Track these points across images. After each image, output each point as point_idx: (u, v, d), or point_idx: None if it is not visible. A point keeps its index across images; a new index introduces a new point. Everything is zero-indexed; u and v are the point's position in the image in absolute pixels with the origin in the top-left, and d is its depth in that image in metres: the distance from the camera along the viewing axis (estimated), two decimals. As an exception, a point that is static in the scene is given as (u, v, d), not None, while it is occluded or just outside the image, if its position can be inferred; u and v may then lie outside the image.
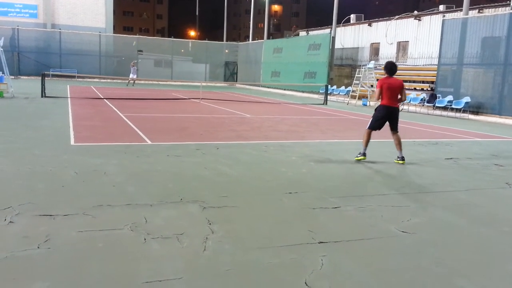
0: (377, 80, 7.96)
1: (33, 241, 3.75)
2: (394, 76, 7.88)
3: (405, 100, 8.18)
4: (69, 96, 19.62)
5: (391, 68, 7.82)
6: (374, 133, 8.04)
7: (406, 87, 24.13)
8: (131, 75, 31.13)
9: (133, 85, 31.66)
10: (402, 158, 7.83)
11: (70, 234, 3.94)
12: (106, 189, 5.42)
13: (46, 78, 19.44)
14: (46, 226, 4.10)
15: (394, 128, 7.90)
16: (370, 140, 8.00)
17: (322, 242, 4.03)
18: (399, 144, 7.87)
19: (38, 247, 3.64)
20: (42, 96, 18.06)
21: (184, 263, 3.49)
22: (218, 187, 5.76)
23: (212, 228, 4.26)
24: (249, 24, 45.18)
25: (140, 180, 5.91)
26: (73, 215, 4.42)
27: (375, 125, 7.91)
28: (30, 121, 11.21)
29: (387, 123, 7.90)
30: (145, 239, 3.91)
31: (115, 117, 12.78)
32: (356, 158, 7.88)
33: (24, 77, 34.63)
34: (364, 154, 7.85)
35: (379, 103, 7.95)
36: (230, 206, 5.01)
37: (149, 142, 8.88)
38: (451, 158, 8.63)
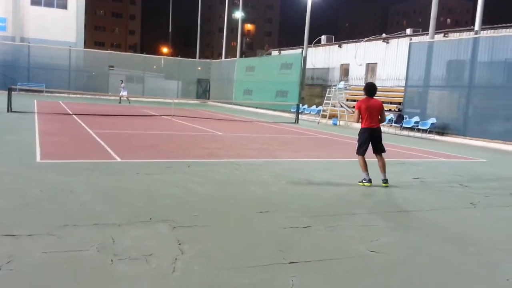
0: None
1: (-6, 262, 3.61)
2: (374, 97, 7.86)
3: (384, 121, 8.07)
4: (36, 111, 19.17)
5: (370, 89, 7.80)
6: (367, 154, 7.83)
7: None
8: (122, 93, 30.76)
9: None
10: (386, 181, 7.72)
11: (34, 255, 3.81)
12: (73, 208, 5.28)
13: (13, 93, 18.96)
14: (8, 247, 3.95)
15: (378, 149, 7.80)
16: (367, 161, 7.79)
17: (293, 262, 4.03)
18: (383, 166, 7.76)
19: (0, 269, 3.50)
20: (8, 111, 17.56)
21: (153, 285, 3.42)
22: (189, 206, 5.70)
23: (182, 248, 4.20)
24: (222, 42, 45.48)
25: (108, 199, 5.79)
26: (38, 235, 4.28)
27: (363, 149, 7.74)
28: (-6, 136, 10.87)
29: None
30: (112, 260, 3.81)
31: (83, 133, 12.54)
32: (362, 184, 7.63)
33: (-10, 91, 33.69)
34: (369, 181, 7.60)
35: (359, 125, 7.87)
36: (201, 225, 4.96)
37: (119, 160, 8.74)
38: (417, 178, 8.82)
